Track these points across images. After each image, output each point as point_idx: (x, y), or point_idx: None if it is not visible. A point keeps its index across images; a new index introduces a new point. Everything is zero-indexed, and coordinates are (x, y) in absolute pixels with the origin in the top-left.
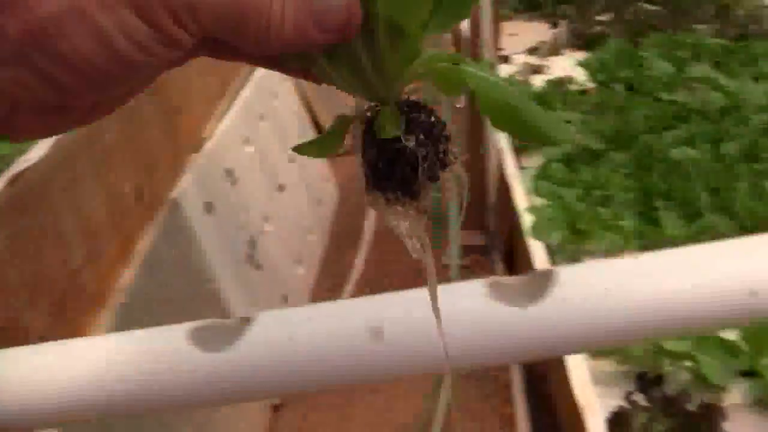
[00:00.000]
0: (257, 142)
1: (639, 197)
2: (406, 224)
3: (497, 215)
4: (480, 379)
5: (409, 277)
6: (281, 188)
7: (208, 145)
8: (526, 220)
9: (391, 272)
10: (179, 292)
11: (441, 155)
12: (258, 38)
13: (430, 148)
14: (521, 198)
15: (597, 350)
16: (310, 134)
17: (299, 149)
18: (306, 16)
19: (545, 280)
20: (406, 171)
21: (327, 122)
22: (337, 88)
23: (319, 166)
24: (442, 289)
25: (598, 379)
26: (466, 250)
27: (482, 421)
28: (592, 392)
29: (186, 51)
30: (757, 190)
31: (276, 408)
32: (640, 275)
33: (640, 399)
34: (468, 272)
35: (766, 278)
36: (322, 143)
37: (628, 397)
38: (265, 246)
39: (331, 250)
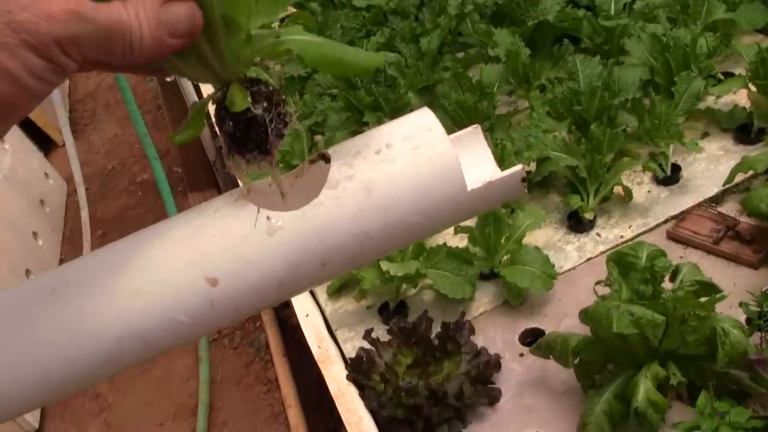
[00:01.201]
0: None
1: (351, 117)
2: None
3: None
4: (238, 346)
5: None
6: None
7: None
8: None
9: None
10: None
11: (282, 116)
12: (125, 56)
13: (273, 113)
14: None
15: (332, 291)
16: (17, 132)
17: (174, 140)
18: (159, 30)
19: None
20: (260, 134)
21: (36, 115)
22: (187, 79)
23: (34, 165)
24: None
25: (341, 322)
26: None
27: (247, 390)
28: (329, 341)
29: (70, 73)
30: (459, 81)
31: None
32: None
33: (382, 334)
34: None
35: None
36: (190, 128)
37: (368, 335)
38: None
39: (70, 248)
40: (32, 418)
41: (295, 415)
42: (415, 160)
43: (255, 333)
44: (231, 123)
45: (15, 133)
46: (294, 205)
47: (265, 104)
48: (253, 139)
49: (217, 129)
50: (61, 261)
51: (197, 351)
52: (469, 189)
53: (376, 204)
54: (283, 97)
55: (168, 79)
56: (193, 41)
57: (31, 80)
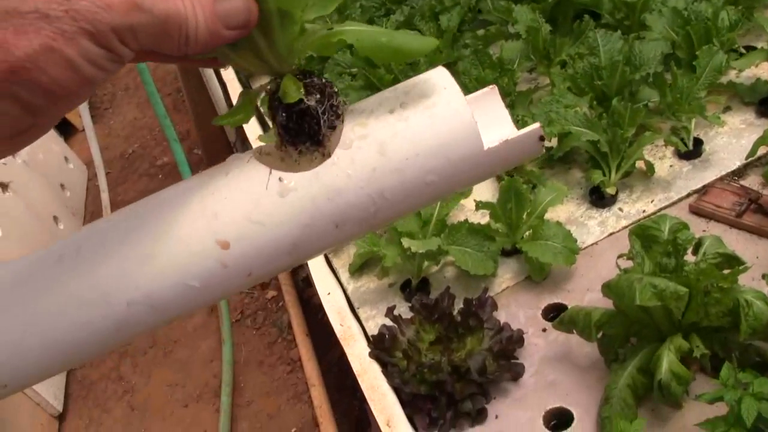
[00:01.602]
0: None
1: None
2: None
3: None
4: (260, 327)
5: None
6: (4, 187)
7: None
8: None
9: None
10: None
11: (334, 108)
12: (180, 46)
13: (326, 104)
14: None
15: (354, 270)
16: None
17: (217, 121)
18: (215, 22)
19: None
20: (312, 125)
21: None
22: (241, 70)
23: (54, 150)
24: None
25: (363, 300)
26: None
27: (271, 370)
28: (351, 319)
29: (126, 62)
30: (479, 58)
31: (60, 417)
32: None
33: (404, 312)
34: None
35: None
36: (238, 114)
37: (390, 312)
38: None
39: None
40: (56, 401)
41: (318, 394)
42: (430, 119)
43: (277, 313)
44: (284, 114)
45: None
46: (306, 166)
47: (318, 96)
48: (305, 131)
49: (269, 120)
50: None
51: (220, 332)
52: (485, 148)
53: (391, 164)
54: (336, 90)
55: (223, 70)
56: (248, 33)
57: (88, 68)
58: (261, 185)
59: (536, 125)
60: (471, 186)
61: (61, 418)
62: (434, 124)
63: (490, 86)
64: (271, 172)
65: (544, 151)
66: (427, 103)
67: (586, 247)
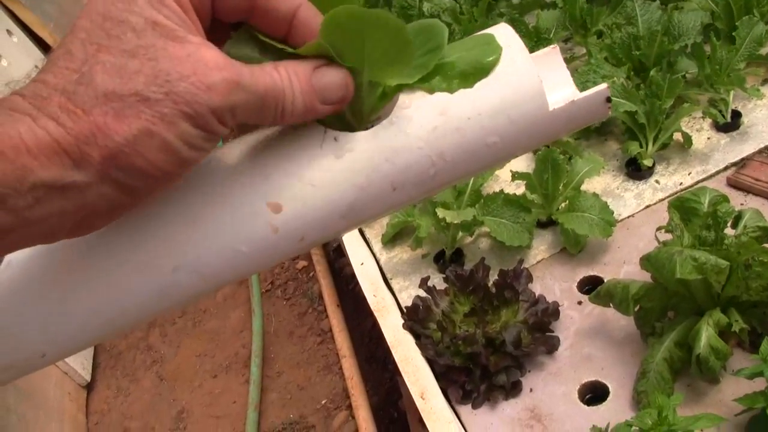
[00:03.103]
0: None
1: None
2: None
3: None
4: (291, 297)
5: None
6: None
7: None
8: None
9: None
10: None
11: None
12: (275, 119)
13: None
14: None
15: (386, 240)
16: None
17: None
18: (312, 97)
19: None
20: None
21: (32, 21)
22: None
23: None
24: None
25: (396, 271)
26: None
27: (301, 341)
28: (384, 290)
29: (220, 139)
30: (515, 27)
31: (88, 387)
32: None
33: (438, 283)
34: None
35: None
36: None
37: (424, 284)
38: None
39: None
40: (84, 371)
41: (349, 365)
42: (493, 77)
43: (308, 284)
44: None
45: (25, 45)
46: (363, 126)
47: None
48: None
49: None
50: None
51: (250, 303)
52: (551, 109)
53: (451, 123)
54: None
55: None
56: (342, 109)
57: (186, 150)
58: (316, 145)
59: (603, 86)
60: (536, 147)
61: (89, 387)
62: (498, 83)
63: (552, 46)
64: (326, 131)
65: (610, 113)
66: None
67: (622, 220)
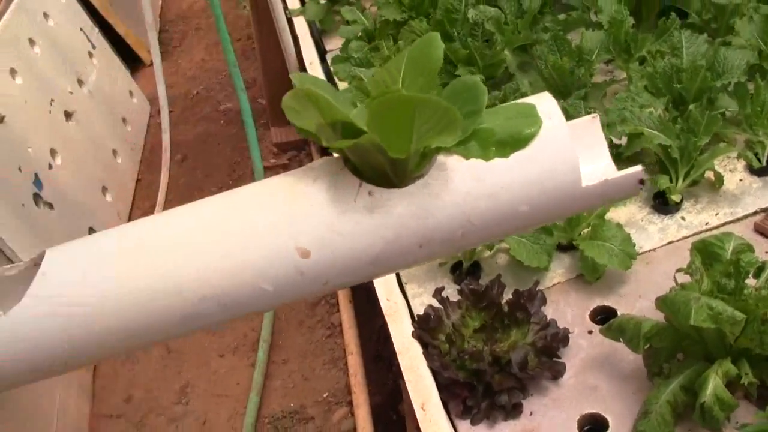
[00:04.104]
0: (29, 71)
1: (444, 66)
2: None
3: None
4: None
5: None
6: (68, 116)
7: None
8: None
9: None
10: None
11: None
12: None
13: None
14: None
15: None
16: (105, 48)
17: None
18: None
19: None
20: None
21: (126, 32)
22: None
23: (120, 83)
24: None
25: (411, 276)
26: (285, 146)
27: (310, 332)
28: (398, 294)
29: None
30: (558, 43)
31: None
32: None
33: (452, 294)
34: (283, 171)
35: None
36: None
37: (438, 294)
38: (55, 182)
39: (147, 169)
40: None
41: (355, 362)
42: (530, 148)
43: None
44: None
45: (104, 50)
46: (399, 183)
47: None
48: None
49: None
50: (138, 181)
51: None
52: (583, 185)
53: (484, 190)
54: None
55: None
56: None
57: None
58: (350, 197)
59: (638, 168)
60: (563, 218)
61: None
62: (535, 155)
63: (592, 115)
64: (361, 185)
65: (641, 192)
66: None
67: (644, 253)
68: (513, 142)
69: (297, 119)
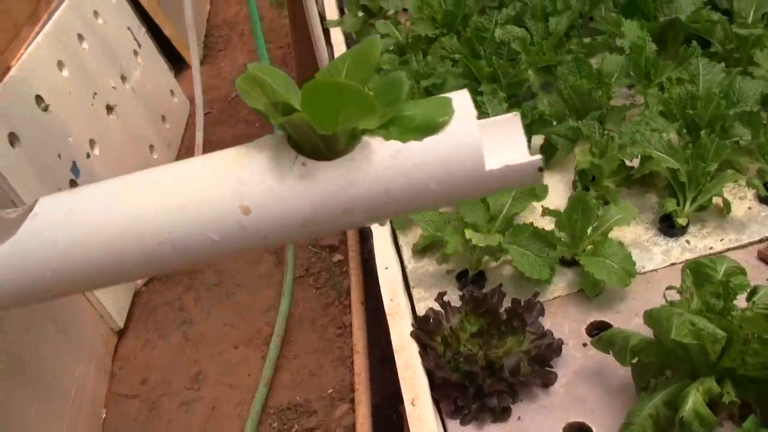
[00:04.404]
0: (76, 65)
1: (468, 85)
2: None
3: None
4: (321, 287)
5: None
6: (110, 109)
7: (12, 73)
8: None
9: None
10: None
11: None
12: None
13: None
14: None
15: (417, 250)
16: (150, 47)
17: None
18: None
19: None
20: None
21: (173, 34)
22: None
23: (162, 82)
24: None
25: (419, 281)
26: None
27: (322, 330)
28: (402, 296)
29: None
30: (578, 65)
31: (120, 333)
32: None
33: (455, 300)
34: None
35: None
36: None
37: (440, 298)
38: (92, 170)
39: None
40: (119, 318)
41: (360, 362)
42: (442, 134)
43: (340, 277)
44: None
45: (149, 49)
46: (329, 157)
47: None
48: None
49: None
50: None
51: (282, 285)
52: (487, 168)
53: (401, 167)
54: None
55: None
56: None
57: None
58: (287, 166)
59: (537, 157)
60: (472, 199)
61: (120, 333)
62: (444, 139)
63: (513, 113)
64: (297, 157)
65: (543, 180)
66: None
67: (645, 272)
68: (427, 128)
69: (249, 99)
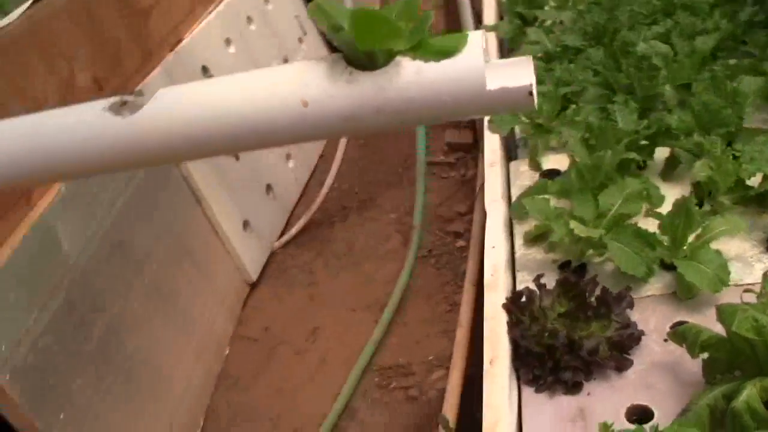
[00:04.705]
0: (242, 44)
1: (605, 96)
2: None
3: None
4: (441, 268)
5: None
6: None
7: (183, 43)
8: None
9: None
10: None
11: None
12: None
13: None
14: None
15: (529, 238)
16: (315, 36)
17: None
18: None
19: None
20: None
21: None
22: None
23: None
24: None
25: (525, 266)
26: (456, 147)
27: (434, 305)
28: (501, 276)
29: None
30: (717, 84)
31: (252, 285)
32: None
33: (552, 285)
34: (448, 168)
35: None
36: None
37: (537, 279)
38: None
39: (330, 145)
40: (253, 272)
41: (461, 335)
42: (455, 58)
43: (459, 261)
44: None
45: (314, 37)
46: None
47: None
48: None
49: None
50: (321, 156)
51: (405, 260)
52: (487, 89)
53: (422, 81)
54: None
55: None
56: None
57: None
58: (339, 73)
59: (528, 81)
60: (479, 114)
61: (252, 286)
62: (456, 62)
63: (528, 56)
64: (346, 67)
65: (535, 106)
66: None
67: (741, 285)
68: (444, 53)
69: (318, 21)
